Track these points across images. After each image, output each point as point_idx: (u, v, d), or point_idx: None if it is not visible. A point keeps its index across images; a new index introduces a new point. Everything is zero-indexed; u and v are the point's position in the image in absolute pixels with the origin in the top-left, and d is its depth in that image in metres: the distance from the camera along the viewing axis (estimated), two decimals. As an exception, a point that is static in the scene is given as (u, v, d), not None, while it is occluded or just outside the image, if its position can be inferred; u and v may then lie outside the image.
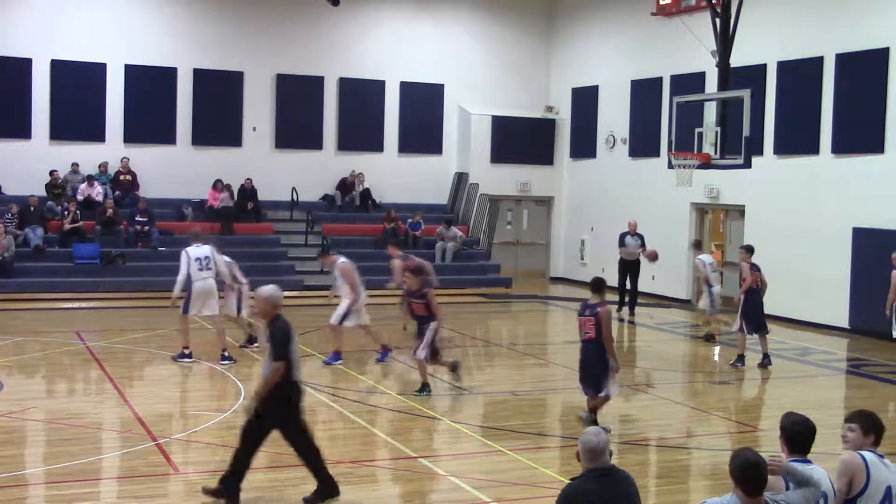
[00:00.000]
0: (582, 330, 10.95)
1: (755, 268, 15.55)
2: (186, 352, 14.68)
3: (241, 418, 11.40)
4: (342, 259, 15.33)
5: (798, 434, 5.41)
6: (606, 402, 11.16)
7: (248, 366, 14.86)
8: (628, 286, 21.14)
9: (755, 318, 15.45)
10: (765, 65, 21.06)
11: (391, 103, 26.91)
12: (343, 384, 13.73)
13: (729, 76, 17.96)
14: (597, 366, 10.85)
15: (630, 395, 13.70)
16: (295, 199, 25.50)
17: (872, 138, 18.89)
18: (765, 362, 15.47)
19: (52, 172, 23.53)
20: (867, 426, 5.66)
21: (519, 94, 28.02)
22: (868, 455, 5.51)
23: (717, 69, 18.27)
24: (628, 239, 21.05)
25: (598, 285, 11.08)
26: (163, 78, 24.76)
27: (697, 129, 17.70)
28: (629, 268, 21.12)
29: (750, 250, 15.85)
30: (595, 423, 10.61)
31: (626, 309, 21.03)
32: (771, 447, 5.51)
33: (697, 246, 19.60)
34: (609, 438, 5.35)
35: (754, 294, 15.48)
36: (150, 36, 24.79)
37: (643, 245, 21.00)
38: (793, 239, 20.31)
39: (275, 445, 10.47)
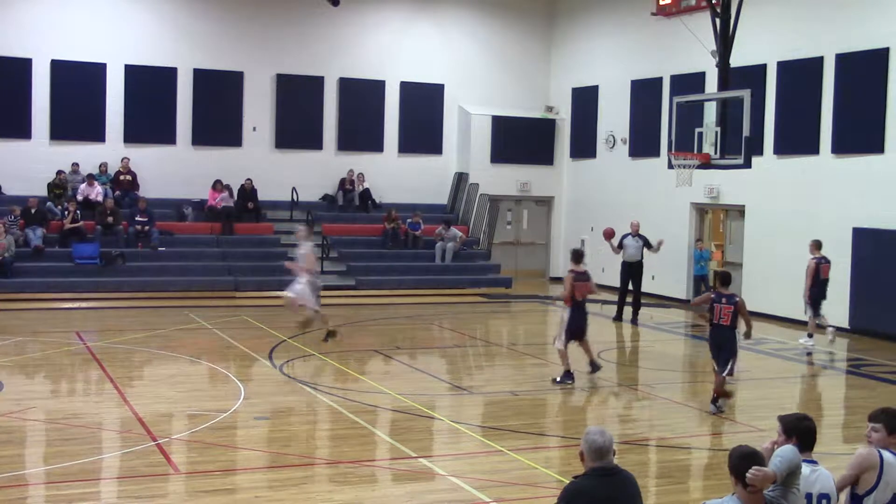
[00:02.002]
0: (718, 315, 12.15)
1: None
2: None
3: (242, 419, 11.45)
4: None
5: (810, 431, 5.36)
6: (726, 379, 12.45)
7: (247, 366, 14.87)
8: (630, 288, 20.49)
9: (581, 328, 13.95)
10: (765, 65, 21.06)
11: (391, 103, 26.91)
12: (343, 384, 13.74)
13: (729, 76, 17.96)
14: (727, 348, 12.24)
15: (630, 395, 13.70)
16: (295, 199, 25.49)
17: (872, 138, 18.89)
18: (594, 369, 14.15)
19: (58, 173, 23.54)
20: (892, 425, 5.54)
21: (519, 94, 28.02)
22: (887, 455, 5.43)
23: (717, 69, 18.27)
24: (628, 240, 20.33)
25: (727, 278, 12.65)
26: (163, 78, 24.76)
27: (697, 129, 17.68)
28: (632, 271, 20.35)
29: (579, 257, 14.14)
30: (720, 407, 12.26)
31: (627, 316, 20.41)
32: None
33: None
34: (613, 437, 5.32)
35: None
36: (150, 36, 24.79)
37: (646, 245, 20.31)
38: (793, 239, 20.29)
39: (276, 445, 10.50)
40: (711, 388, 12.54)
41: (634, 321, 20.19)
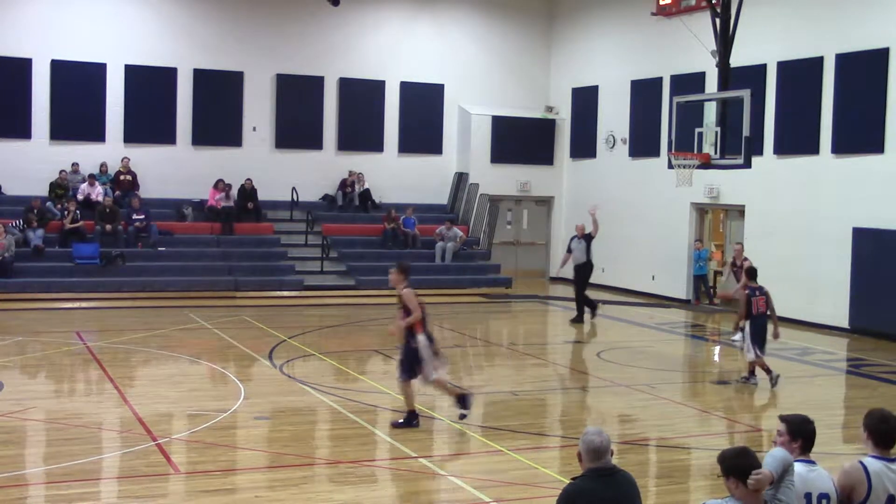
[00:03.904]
0: (756, 307, 13.89)
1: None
2: None
3: (242, 419, 11.46)
4: None
5: (814, 434, 5.44)
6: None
7: (247, 366, 14.87)
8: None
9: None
10: (765, 65, 21.06)
11: (391, 103, 26.91)
12: (343, 384, 13.74)
13: (729, 76, 17.95)
14: (766, 333, 14.02)
15: (630, 395, 13.69)
16: (295, 199, 25.49)
17: (872, 138, 18.90)
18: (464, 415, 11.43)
19: (61, 173, 23.54)
20: (864, 423, 5.59)
21: (519, 94, 28.02)
22: (870, 463, 5.43)
23: (717, 69, 18.26)
24: (573, 243, 20.12)
25: (755, 272, 14.29)
26: (163, 78, 24.76)
27: (697, 129, 17.67)
28: (579, 272, 20.06)
29: (402, 270, 11.11)
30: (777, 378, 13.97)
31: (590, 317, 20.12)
32: (771, 447, 5.49)
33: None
34: (610, 437, 5.32)
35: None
36: (150, 36, 24.79)
37: (588, 248, 19.84)
38: (793, 239, 20.31)
39: (276, 445, 10.50)
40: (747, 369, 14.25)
41: (593, 315, 19.97)
